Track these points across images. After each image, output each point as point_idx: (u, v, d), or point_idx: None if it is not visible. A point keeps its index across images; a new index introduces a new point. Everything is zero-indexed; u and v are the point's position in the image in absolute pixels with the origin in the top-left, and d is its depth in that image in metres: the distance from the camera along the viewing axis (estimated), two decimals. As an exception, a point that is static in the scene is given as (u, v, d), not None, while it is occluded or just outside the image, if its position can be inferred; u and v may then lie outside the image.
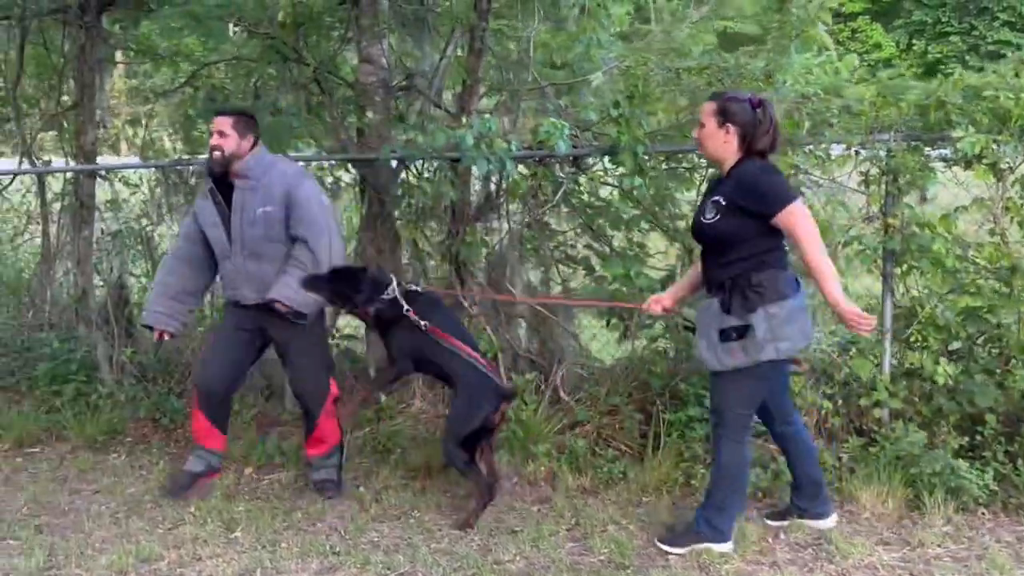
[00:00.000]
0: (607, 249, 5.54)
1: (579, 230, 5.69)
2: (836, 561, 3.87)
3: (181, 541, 4.14)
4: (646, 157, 4.90)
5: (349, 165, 5.89)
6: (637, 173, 4.81)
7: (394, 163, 5.54)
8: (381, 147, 5.42)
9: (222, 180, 4.50)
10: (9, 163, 6.93)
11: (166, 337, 4.80)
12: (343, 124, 5.65)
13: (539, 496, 4.63)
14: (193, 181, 5.78)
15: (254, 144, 4.48)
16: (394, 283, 4.41)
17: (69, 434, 5.62)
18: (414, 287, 4.52)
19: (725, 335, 3.67)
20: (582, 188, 5.59)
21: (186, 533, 4.22)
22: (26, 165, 6.53)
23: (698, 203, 4.16)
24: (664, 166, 5.13)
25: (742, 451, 3.85)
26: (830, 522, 4.15)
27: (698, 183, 5.24)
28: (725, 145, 3.72)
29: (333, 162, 6.04)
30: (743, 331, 3.62)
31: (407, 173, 5.65)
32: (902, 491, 4.35)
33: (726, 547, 3.92)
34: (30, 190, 6.86)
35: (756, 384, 3.76)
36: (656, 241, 5.50)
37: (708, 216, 3.72)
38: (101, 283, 6.41)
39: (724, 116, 3.70)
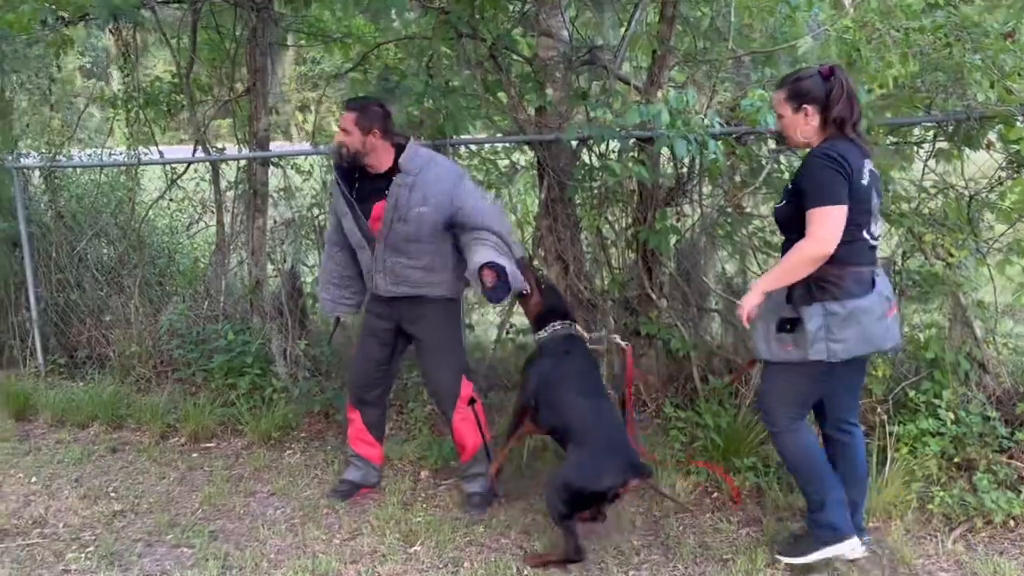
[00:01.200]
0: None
1: (779, 214, 5.11)
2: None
3: (359, 555, 3.87)
4: (867, 132, 4.28)
5: (526, 147, 5.51)
6: (857, 150, 4.20)
7: (574, 144, 5.12)
8: (561, 126, 5.01)
9: (352, 169, 4.25)
10: (184, 150, 6.89)
11: (344, 320, 4.62)
12: (521, 103, 5.26)
13: (746, 517, 4.12)
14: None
15: (384, 135, 4.14)
16: (570, 324, 4.14)
17: (244, 429, 5.49)
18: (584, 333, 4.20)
19: (781, 325, 3.38)
20: (783, 167, 5.01)
21: (364, 546, 3.95)
22: (200, 153, 6.45)
23: None
24: (887, 141, 4.50)
25: (796, 437, 3.49)
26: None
27: (924, 158, 4.59)
28: (808, 128, 3.41)
29: (508, 144, 5.66)
30: (796, 323, 3.33)
31: (589, 154, 5.22)
32: None
33: (852, 543, 3.48)
34: (204, 178, 6.79)
35: (807, 384, 3.44)
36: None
37: (779, 202, 3.51)
38: (274, 273, 6.27)
39: (798, 99, 3.39)
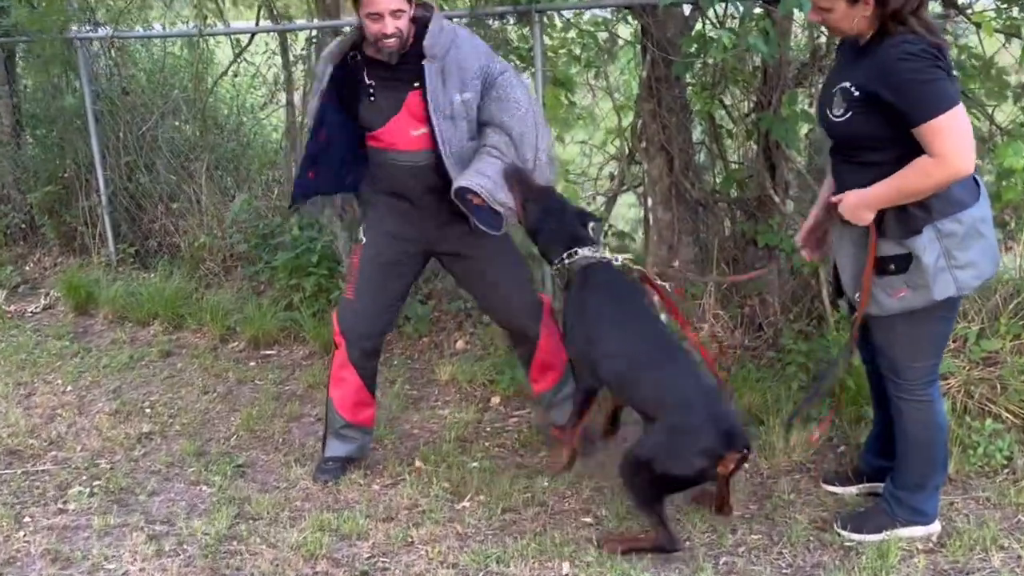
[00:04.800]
0: (986, 126, 3.94)
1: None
2: None
3: (395, 511, 3.27)
4: None
5: (629, 16, 4.60)
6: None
7: (686, 10, 4.20)
8: (671, -11, 4.09)
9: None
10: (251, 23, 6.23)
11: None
12: (624, -40, 4.35)
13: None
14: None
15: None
16: (588, 249, 3.14)
17: (306, 336, 4.95)
18: (613, 259, 3.18)
19: (881, 267, 2.66)
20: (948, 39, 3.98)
21: (403, 498, 3.34)
22: (266, 22, 5.75)
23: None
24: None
25: (929, 411, 2.84)
26: None
27: None
28: (864, 20, 2.62)
29: (608, 12, 4.77)
30: (905, 261, 2.61)
31: (703, 23, 4.28)
32: None
33: (933, 528, 2.95)
34: (276, 52, 6.12)
35: (938, 328, 2.76)
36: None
37: (836, 112, 2.69)
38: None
39: None
